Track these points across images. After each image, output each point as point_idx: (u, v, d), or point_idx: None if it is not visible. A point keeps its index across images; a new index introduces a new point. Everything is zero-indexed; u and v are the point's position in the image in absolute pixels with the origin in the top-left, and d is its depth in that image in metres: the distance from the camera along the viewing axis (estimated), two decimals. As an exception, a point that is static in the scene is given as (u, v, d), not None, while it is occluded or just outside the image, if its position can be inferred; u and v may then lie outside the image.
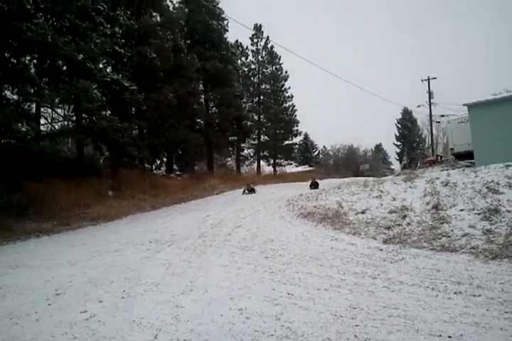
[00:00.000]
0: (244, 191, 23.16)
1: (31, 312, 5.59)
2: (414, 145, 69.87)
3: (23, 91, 16.53)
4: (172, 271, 7.52)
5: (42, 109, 20.60)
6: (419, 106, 43.90)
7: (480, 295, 5.29)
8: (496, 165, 12.11)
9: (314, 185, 23.59)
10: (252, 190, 23.13)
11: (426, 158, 38.93)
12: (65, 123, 23.47)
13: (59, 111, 22.87)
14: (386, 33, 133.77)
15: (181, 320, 5.04)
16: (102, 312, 5.43)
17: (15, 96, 17.79)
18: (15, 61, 17.19)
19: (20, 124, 17.20)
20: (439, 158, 35.14)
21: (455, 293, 5.45)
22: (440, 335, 4.19)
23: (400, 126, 71.51)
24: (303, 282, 6.34)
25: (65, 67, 19.46)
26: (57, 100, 18.59)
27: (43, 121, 21.27)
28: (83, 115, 20.88)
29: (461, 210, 9.48)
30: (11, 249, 11.10)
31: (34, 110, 19.50)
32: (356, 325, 4.57)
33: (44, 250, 10.49)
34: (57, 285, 6.87)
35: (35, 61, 18.95)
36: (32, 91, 16.82)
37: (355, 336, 4.29)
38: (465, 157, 24.07)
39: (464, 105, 20.02)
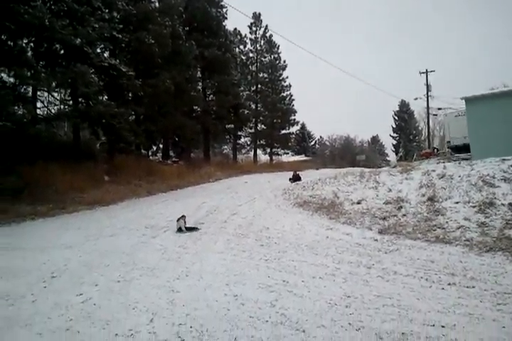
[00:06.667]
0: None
1: (27, 293, 5.61)
2: (410, 138, 69.87)
3: (19, 75, 16.30)
4: (167, 257, 7.56)
5: (38, 93, 20.43)
6: (416, 99, 43.95)
7: (473, 287, 5.34)
8: (492, 158, 12.12)
9: (295, 179, 20.73)
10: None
11: (422, 151, 38.99)
12: (62, 107, 23.31)
13: (55, 94, 22.77)
14: (385, 26, 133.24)
15: (177, 304, 5.07)
16: (97, 296, 5.46)
17: (11, 79, 17.63)
18: (12, 44, 16.99)
19: (16, 107, 17.08)
20: (435, 150, 35.23)
21: (449, 284, 5.50)
22: (433, 325, 4.23)
23: (397, 118, 71.38)
24: (298, 270, 6.38)
25: (62, 51, 19.27)
26: (53, 84, 18.42)
27: (39, 104, 21.06)
28: (80, 99, 20.70)
29: (457, 203, 9.53)
30: (6, 231, 11.09)
31: (30, 93, 19.36)
32: (350, 314, 4.61)
33: (39, 233, 10.51)
34: (53, 268, 6.89)
35: (32, 44, 18.72)
36: (29, 74, 16.58)
37: (350, 324, 4.33)
38: (461, 150, 24.13)
39: (461, 99, 19.99)
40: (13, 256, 7.90)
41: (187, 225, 10.06)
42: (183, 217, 10.24)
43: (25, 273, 6.67)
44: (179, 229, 9.89)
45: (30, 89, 19.28)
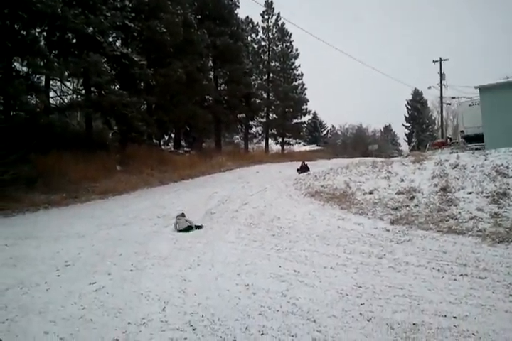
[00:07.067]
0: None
1: (41, 282, 5.69)
2: (423, 127, 69.07)
3: (32, 64, 16.38)
4: (179, 246, 7.61)
5: (51, 82, 20.51)
6: (429, 88, 43.38)
7: (486, 278, 5.31)
8: (506, 148, 11.95)
9: (303, 170, 20.26)
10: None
11: (435, 140, 38.62)
12: (74, 96, 23.44)
13: (68, 84, 22.86)
14: (398, 13, 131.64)
15: (188, 293, 5.12)
16: (110, 284, 5.52)
17: (24, 69, 17.73)
18: (24, 33, 16.99)
19: (29, 96, 17.19)
20: (448, 140, 34.90)
21: (461, 274, 5.48)
22: (445, 316, 4.22)
23: (409, 107, 70.57)
24: (309, 260, 6.39)
25: (74, 40, 19.32)
26: (66, 73, 18.48)
27: (52, 94, 21.17)
28: (92, 89, 20.81)
29: (470, 193, 9.44)
30: (20, 220, 11.23)
31: (43, 83, 19.47)
32: (361, 304, 4.62)
33: (53, 222, 10.62)
34: (66, 256, 6.98)
35: (44, 33, 18.74)
36: (41, 63, 16.67)
37: (361, 314, 4.34)
38: (475, 140, 23.83)
39: (475, 88, 19.72)
40: (27, 245, 8.00)
41: (189, 224, 9.21)
42: (183, 214, 9.75)
43: (39, 261, 6.76)
44: (187, 228, 9.04)
45: (43, 78, 19.40)
